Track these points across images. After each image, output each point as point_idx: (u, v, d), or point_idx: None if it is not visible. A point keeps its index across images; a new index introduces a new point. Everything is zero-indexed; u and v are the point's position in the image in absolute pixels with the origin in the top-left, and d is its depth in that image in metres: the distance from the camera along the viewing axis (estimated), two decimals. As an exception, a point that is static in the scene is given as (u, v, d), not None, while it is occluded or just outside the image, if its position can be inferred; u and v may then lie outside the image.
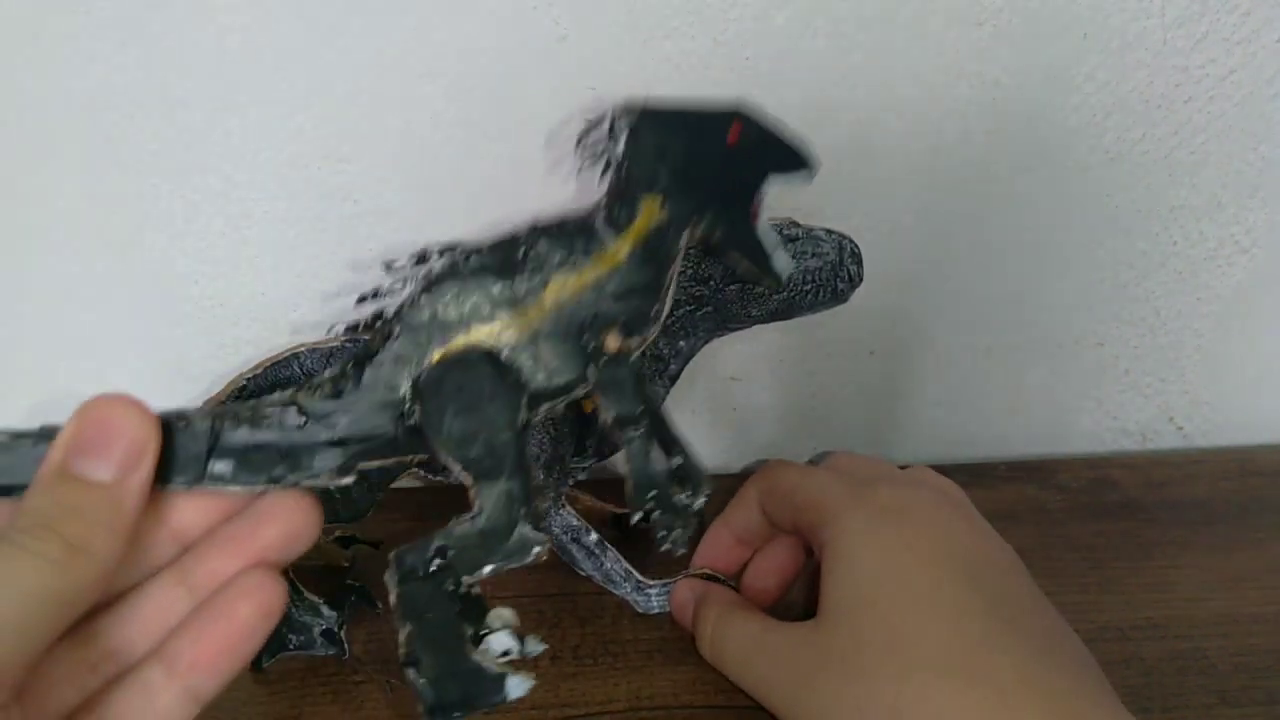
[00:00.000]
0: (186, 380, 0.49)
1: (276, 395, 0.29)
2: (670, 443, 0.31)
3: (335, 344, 0.40)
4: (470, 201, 0.46)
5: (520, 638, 0.29)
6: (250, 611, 0.26)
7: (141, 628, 0.26)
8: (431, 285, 0.29)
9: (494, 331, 0.29)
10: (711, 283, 0.40)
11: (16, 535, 0.23)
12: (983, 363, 0.54)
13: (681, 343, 0.42)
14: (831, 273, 0.41)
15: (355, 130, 0.44)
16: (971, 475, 0.54)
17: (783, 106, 0.45)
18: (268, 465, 0.28)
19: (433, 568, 0.28)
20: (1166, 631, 0.42)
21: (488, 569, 0.29)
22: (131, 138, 0.43)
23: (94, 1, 0.40)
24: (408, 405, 0.29)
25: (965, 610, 0.31)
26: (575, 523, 0.43)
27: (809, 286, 0.41)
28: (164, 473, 0.26)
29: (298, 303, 0.48)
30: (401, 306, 0.29)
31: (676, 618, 0.42)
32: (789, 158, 0.32)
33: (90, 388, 0.51)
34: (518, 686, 0.28)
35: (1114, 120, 0.48)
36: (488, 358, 0.29)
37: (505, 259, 0.30)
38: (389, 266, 0.30)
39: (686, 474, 0.31)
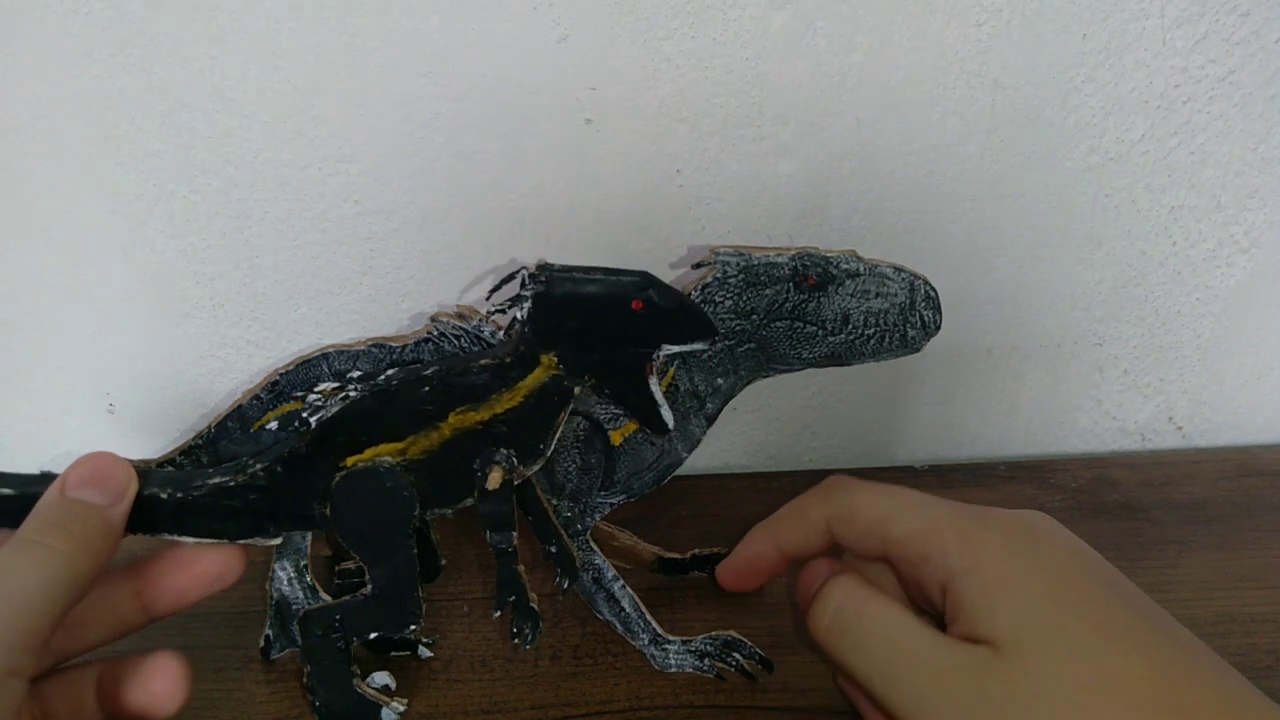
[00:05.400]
0: (187, 380, 0.49)
1: (221, 469, 0.34)
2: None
3: (361, 348, 0.41)
4: (470, 201, 0.46)
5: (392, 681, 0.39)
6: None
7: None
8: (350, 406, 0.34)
9: (398, 449, 0.34)
10: (754, 317, 0.37)
11: (31, 535, 0.29)
12: (982, 363, 0.55)
13: (720, 380, 0.39)
14: (900, 317, 0.36)
15: (355, 130, 0.44)
16: (971, 475, 0.54)
17: (783, 106, 0.46)
18: (213, 527, 0.34)
19: (331, 629, 0.35)
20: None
21: (373, 635, 0.36)
22: (131, 138, 0.43)
23: (94, 1, 0.40)
24: (321, 504, 0.34)
25: (1142, 637, 0.29)
26: (599, 561, 0.40)
27: (872, 331, 0.36)
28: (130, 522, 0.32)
29: (298, 303, 0.48)
30: (323, 421, 0.34)
31: (800, 594, 0.38)
32: (690, 328, 0.33)
33: (89, 388, 0.51)
34: (389, 715, 0.37)
35: (1114, 120, 0.48)
36: (389, 471, 0.34)
37: (414, 391, 0.34)
38: (311, 391, 0.35)
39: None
